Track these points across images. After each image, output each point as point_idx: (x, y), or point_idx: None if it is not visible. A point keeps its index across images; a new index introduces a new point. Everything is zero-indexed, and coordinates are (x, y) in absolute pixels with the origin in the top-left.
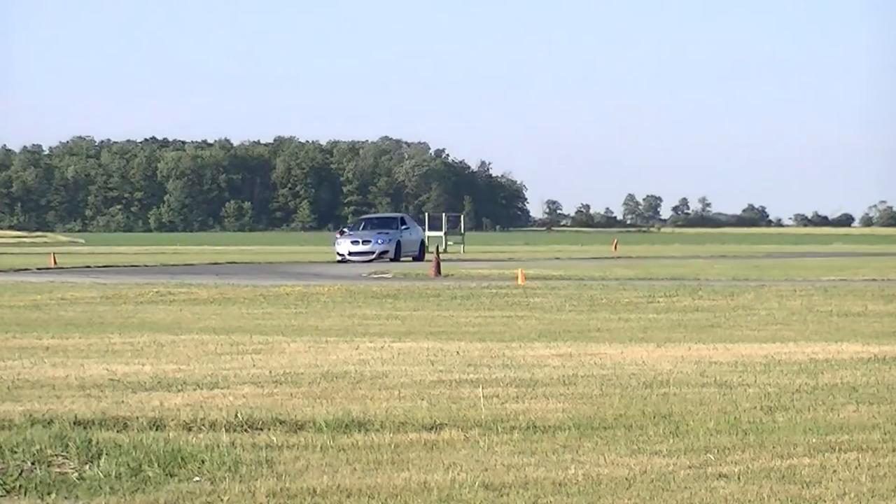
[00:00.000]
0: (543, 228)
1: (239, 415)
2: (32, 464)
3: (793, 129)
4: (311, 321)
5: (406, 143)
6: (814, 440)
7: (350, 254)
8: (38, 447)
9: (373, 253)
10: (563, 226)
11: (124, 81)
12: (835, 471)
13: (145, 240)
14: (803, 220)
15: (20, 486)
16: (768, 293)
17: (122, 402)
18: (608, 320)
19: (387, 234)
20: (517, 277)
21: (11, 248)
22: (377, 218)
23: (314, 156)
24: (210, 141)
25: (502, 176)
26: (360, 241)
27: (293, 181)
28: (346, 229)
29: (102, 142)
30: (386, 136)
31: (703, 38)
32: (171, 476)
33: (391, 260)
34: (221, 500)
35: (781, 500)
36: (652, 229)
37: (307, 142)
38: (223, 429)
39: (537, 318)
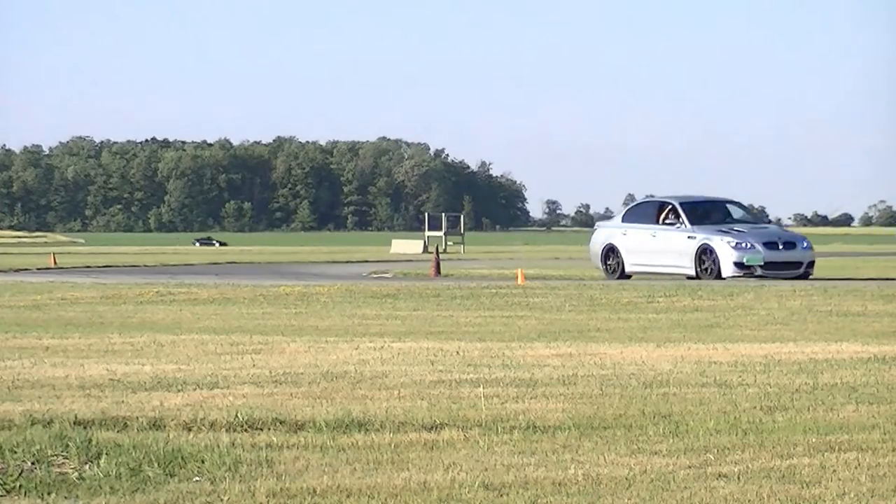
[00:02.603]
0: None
1: (239, 415)
2: (32, 464)
3: (793, 129)
4: (311, 321)
5: (406, 143)
6: (814, 440)
7: (767, 265)
8: (38, 447)
9: (800, 265)
10: (563, 226)
11: (124, 81)
12: (835, 471)
13: (145, 240)
14: (803, 220)
15: (20, 486)
16: (768, 293)
17: (122, 402)
18: (608, 320)
19: (792, 233)
20: (517, 277)
21: (11, 248)
22: (703, 202)
23: (314, 156)
24: (210, 141)
25: (502, 176)
26: (780, 243)
27: (293, 181)
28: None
29: (102, 142)
30: (386, 137)
31: (704, 37)
32: (171, 476)
33: (802, 277)
34: (221, 500)
35: (781, 500)
36: None
37: (307, 142)
38: (223, 429)
39: (537, 318)
